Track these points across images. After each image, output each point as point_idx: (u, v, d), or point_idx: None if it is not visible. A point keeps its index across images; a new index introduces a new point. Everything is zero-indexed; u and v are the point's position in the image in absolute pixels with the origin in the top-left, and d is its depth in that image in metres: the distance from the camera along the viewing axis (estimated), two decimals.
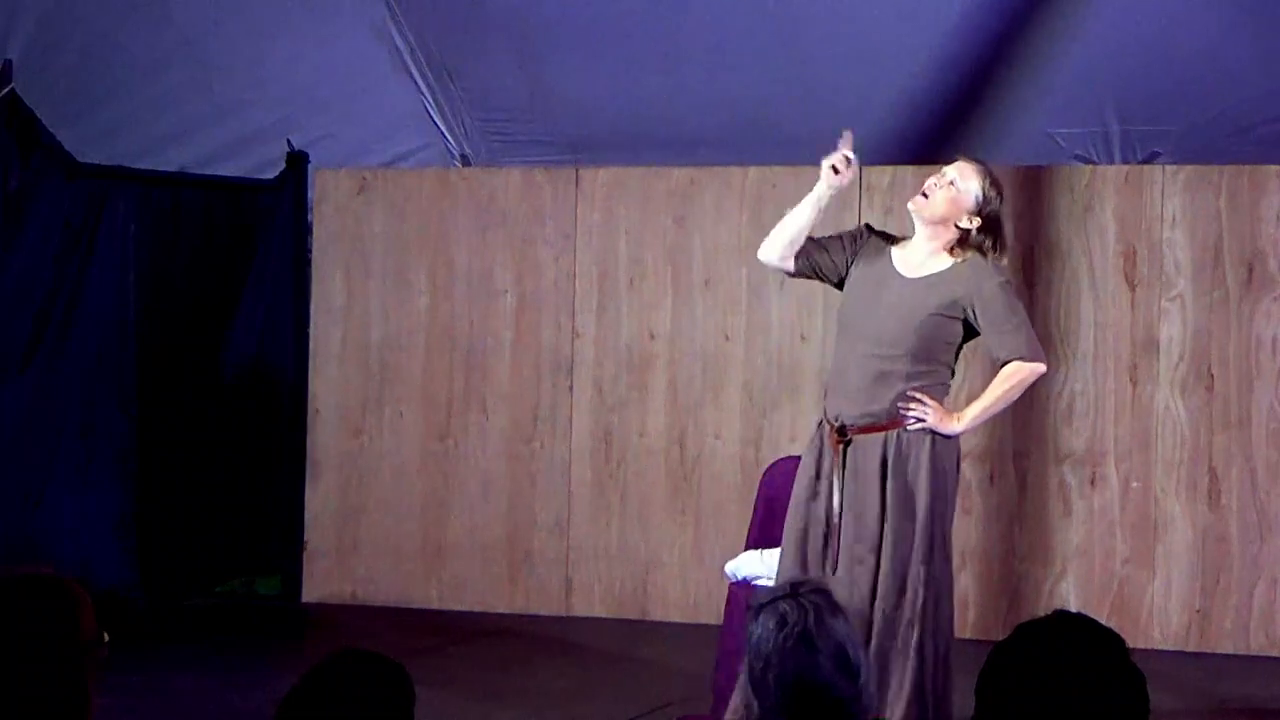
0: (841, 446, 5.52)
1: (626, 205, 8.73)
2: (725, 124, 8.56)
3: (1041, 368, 5.62)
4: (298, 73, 8.79)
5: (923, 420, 5.47)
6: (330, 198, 9.10)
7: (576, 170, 8.83)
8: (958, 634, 7.94)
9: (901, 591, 5.46)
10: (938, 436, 5.51)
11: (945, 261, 5.56)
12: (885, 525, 5.47)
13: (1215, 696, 7.24)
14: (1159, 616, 8.01)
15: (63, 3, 8.04)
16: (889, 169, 8.16)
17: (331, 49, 8.69)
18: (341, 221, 9.08)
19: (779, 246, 5.72)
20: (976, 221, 5.53)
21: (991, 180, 5.59)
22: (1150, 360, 8.06)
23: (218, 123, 8.89)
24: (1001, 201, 5.60)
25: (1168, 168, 8.11)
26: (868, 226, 5.82)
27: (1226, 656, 7.85)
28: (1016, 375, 5.56)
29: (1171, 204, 8.05)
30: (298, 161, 8.90)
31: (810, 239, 5.72)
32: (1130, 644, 2.69)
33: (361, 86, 8.90)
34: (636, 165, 8.73)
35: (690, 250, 8.63)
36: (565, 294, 8.79)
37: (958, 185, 5.54)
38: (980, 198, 5.53)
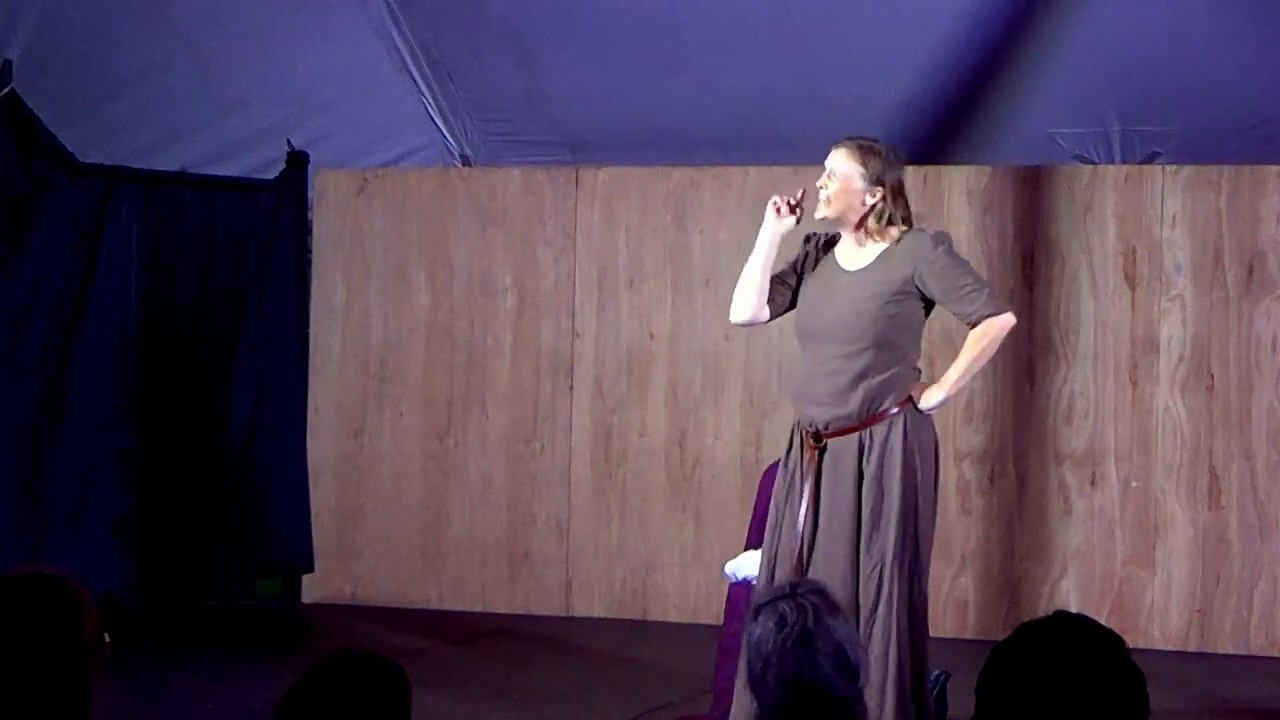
0: (816, 453, 5.53)
1: (626, 205, 8.74)
2: (725, 124, 8.56)
3: (1011, 319, 5.63)
4: (298, 73, 8.79)
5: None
6: (330, 198, 9.11)
7: (576, 170, 8.83)
8: (958, 634, 7.99)
9: (878, 586, 5.46)
10: (910, 429, 5.51)
11: (879, 245, 5.58)
12: (861, 521, 5.48)
13: (1215, 696, 7.24)
14: (1159, 616, 8.01)
15: (63, 2, 8.03)
16: None
17: (331, 49, 8.69)
18: (341, 221, 9.08)
19: (746, 304, 5.76)
20: (878, 192, 5.56)
21: (867, 151, 5.61)
22: (1150, 360, 8.06)
23: (218, 123, 8.88)
24: (888, 161, 5.61)
25: (1168, 168, 8.11)
26: (808, 237, 5.83)
27: (1226, 656, 7.86)
28: (988, 334, 5.58)
29: (1171, 204, 8.05)
30: (298, 161, 8.89)
31: (772, 280, 5.74)
32: (1130, 644, 2.69)
33: (361, 86, 8.89)
34: (636, 165, 8.73)
35: (690, 250, 8.63)
36: (565, 294, 8.79)
37: (838, 174, 5.58)
38: (864, 173, 5.56)
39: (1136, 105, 8.13)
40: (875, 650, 5.42)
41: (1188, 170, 8.06)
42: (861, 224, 5.60)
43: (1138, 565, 8.04)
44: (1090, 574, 8.08)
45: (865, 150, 5.62)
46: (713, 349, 8.59)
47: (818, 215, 5.65)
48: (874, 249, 5.61)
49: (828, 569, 5.46)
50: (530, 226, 8.84)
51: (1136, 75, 8.00)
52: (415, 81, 8.87)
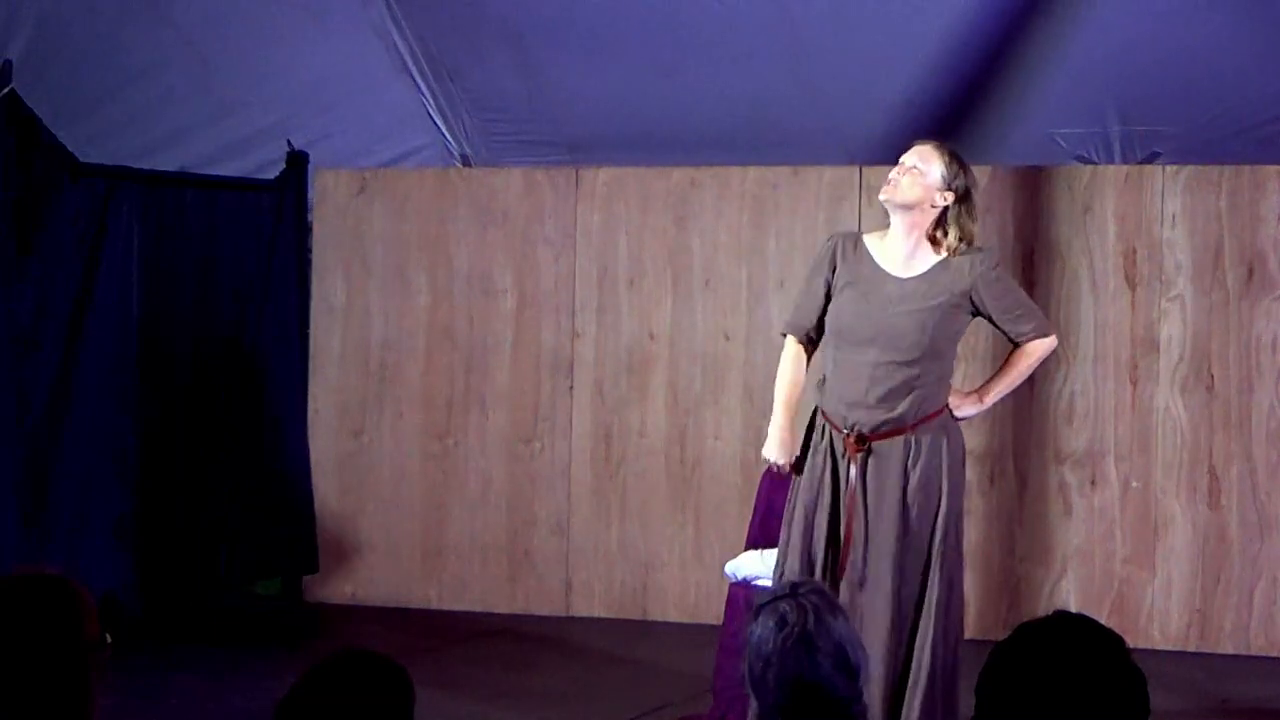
0: (860, 454, 5.52)
1: (626, 205, 8.74)
2: (725, 124, 8.56)
3: (1054, 341, 5.75)
4: (298, 73, 8.78)
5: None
6: (330, 198, 9.11)
7: (576, 170, 8.83)
8: None
9: (921, 587, 5.48)
10: (952, 433, 5.55)
11: (936, 253, 5.57)
12: (905, 523, 5.48)
13: (1215, 696, 7.24)
14: (1159, 616, 8.01)
15: (63, 3, 8.03)
16: (889, 169, 8.14)
17: (331, 49, 8.68)
18: (341, 221, 9.09)
19: None
20: (950, 196, 5.55)
21: (950, 155, 5.61)
22: (1150, 360, 8.07)
23: (218, 123, 8.88)
24: (966, 171, 5.61)
25: (1168, 168, 8.11)
26: (833, 237, 5.82)
27: (1226, 656, 7.86)
28: (1034, 353, 5.67)
29: (1171, 204, 8.06)
30: (298, 161, 8.88)
31: (802, 313, 5.76)
32: (1130, 644, 2.70)
33: (361, 86, 8.89)
34: (636, 165, 8.73)
35: (690, 250, 8.63)
36: (565, 294, 8.79)
37: (920, 168, 5.56)
38: (945, 173, 5.55)
39: (1136, 105, 8.13)
40: (921, 656, 5.44)
41: (1188, 170, 8.07)
42: (921, 225, 5.57)
43: (1138, 565, 8.04)
44: (1090, 574, 8.08)
45: (948, 153, 5.61)
46: (713, 349, 8.59)
47: (881, 197, 5.61)
48: (926, 257, 5.56)
49: (873, 570, 5.47)
50: (530, 226, 8.85)
51: (1136, 75, 7.99)
52: (415, 81, 8.86)
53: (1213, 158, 8.05)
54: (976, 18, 7.92)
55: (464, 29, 8.62)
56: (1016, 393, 8.08)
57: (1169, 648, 7.88)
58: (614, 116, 8.71)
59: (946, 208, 5.54)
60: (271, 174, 8.89)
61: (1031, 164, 8.29)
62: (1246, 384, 7.96)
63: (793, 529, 5.63)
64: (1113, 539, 8.07)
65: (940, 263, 5.55)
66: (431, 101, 8.95)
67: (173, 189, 8.57)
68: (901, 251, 5.58)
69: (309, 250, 9.06)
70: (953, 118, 8.24)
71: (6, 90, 7.74)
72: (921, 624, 5.47)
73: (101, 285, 8.17)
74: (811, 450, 5.65)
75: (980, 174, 8.17)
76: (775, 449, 5.74)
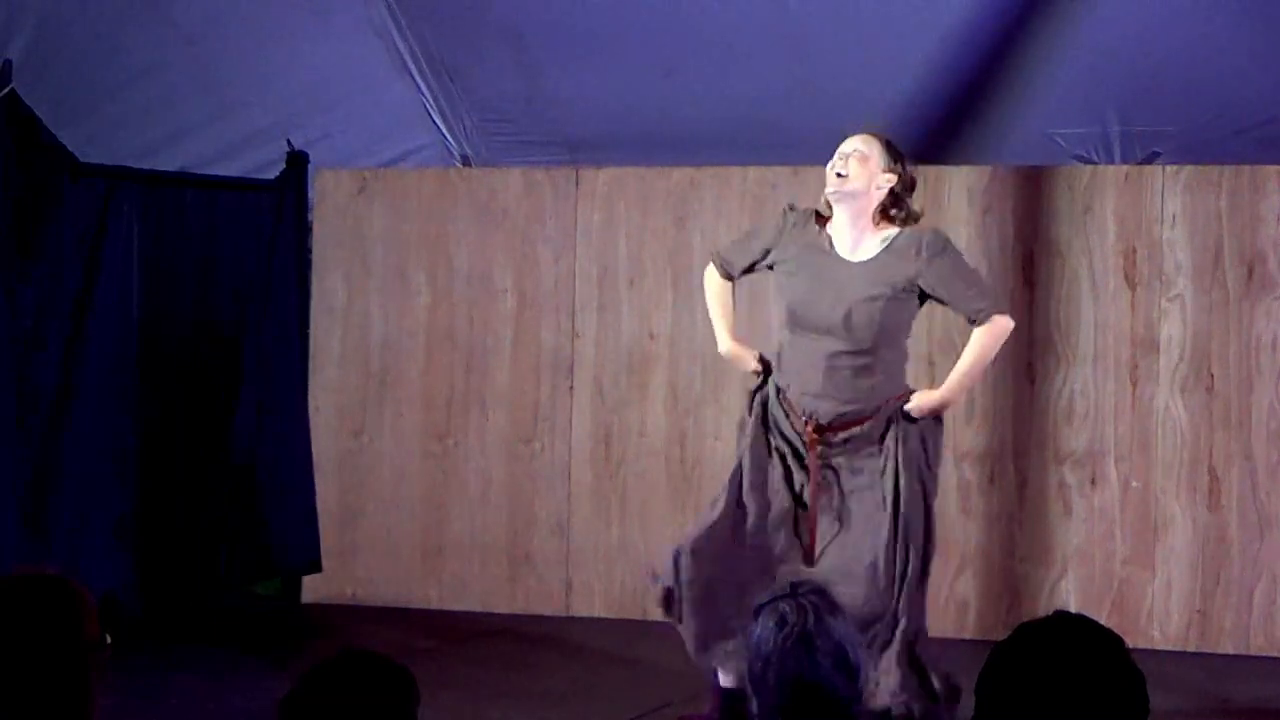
0: (819, 445, 5.59)
1: (626, 205, 8.73)
2: (725, 124, 8.56)
3: (1010, 322, 5.81)
4: (298, 73, 8.78)
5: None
6: (330, 198, 9.10)
7: (576, 170, 8.83)
8: (957, 634, 8.01)
9: (886, 572, 5.54)
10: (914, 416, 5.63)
11: (882, 236, 5.65)
12: (865, 506, 5.56)
13: (1215, 696, 7.24)
14: (1159, 616, 8.00)
15: (63, 3, 8.03)
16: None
17: (331, 49, 8.69)
18: (341, 221, 9.08)
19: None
20: (892, 178, 5.65)
21: (885, 138, 5.78)
22: (1150, 360, 8.06)
23: (218, 123, 8.88)
24: (903, 157, 5.78)
25: (1168, 168, 8.11)
26: (789, 207, 5.92)
27: (1227, 656, 7.85)
28: (990, 334, 5.71)
29: (1171, 204, 8.05)
30: (298, 161, 8.88)
31: (732, 259, 6.02)
32: (1130, 644, 2.70)
33: (361, 86, 8.89)
34: (636, 165, 8.73)
35: (690, 250, 8.63)
36: (565, 294, 8.78)
37: (863, 150, 5.66)
38: (886, 154, 5.67)
39: (1136, 105, 8.13)
40: (900, 627, 5.50)
41: (1188, 170, 8.06)
42: (866, 211, 5.64)
43: (1138, 565, 8.04)
44: (1090, 574, 8.08)
45: (883, 138, 5.78)
46: (712, 349, 8.55)
47: (829, 190, 5.72)
48: (874, 240, 5.66)
49: (841, 556, 5.52)
50: (530, 226, 8.84)
51: (1136, 75, 7.99)
52: (415, 81, 8.86)
53: (1213, 158, 8.05)
54: (976, 18, 7.92)
55: (464, 29, 8.62)
56: (1016, 392, 8.12)
57: (1169, 648, 7.88)
58: (614, 116, 8.71)
59: (891, 190, 5.64)
60: (271, 174, 8.89)
61: (1031, 164, 8.29)
62: (1246, 384, 7.95)
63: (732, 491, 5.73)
64: (1113, 539, 8.07)
65: (889, 247, 5.64)
66: (431, 101, 8.95)
67: (173, 189, 8.57)
68: (848, 238, 5.67)
69: (309, 250, 9.05)
70: (953, 118, 8.25)
71: (6, 90, 7.74)
72: (903, 601, 5.56)
73: (102, 285, 8.17)
74: (755, 417, 5.73)
75: (980, 174, 8.23)
76: (742, 359, 5.97)
